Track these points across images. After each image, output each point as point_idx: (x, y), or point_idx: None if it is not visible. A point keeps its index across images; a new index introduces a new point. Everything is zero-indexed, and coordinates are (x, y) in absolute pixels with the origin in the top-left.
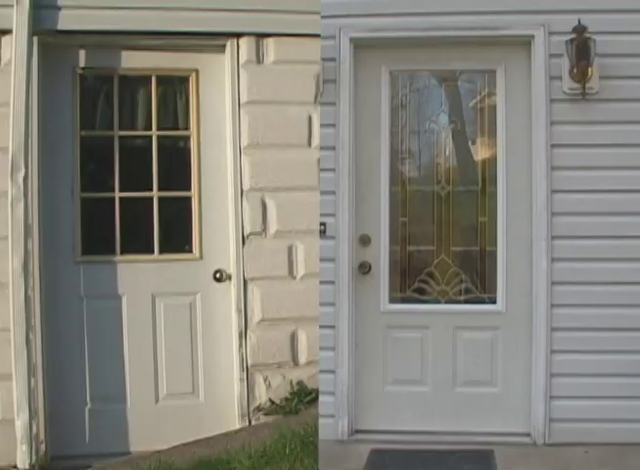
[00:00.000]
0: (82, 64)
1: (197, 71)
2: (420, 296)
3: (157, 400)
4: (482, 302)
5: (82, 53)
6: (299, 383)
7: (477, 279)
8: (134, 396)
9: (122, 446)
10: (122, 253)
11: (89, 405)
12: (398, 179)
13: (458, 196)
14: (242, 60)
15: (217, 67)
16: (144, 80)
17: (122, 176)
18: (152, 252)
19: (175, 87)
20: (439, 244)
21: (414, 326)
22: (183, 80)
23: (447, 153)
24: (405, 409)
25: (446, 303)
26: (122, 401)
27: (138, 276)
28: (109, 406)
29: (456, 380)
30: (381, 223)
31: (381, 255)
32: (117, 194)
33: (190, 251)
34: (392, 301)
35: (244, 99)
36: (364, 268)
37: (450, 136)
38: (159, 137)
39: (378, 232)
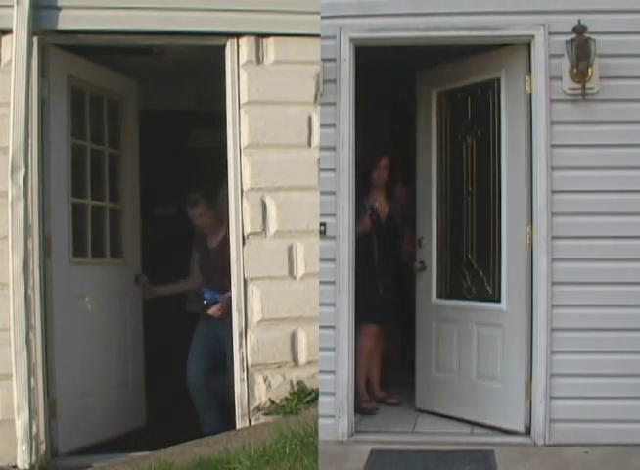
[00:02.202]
0: (75, 73)
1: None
2: (456, 292)
3: None
4: (494, 300)
5: (76, 64)
6: (299, 383)
7: (491, 278)
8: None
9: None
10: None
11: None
12: (444, 187)
13: (480, 199)
14: (242, 60)
15: None
16: None
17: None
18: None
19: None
20: (468, 245)
21: (450, 320)
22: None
23: (471, 159)
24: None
25: (470, 299)
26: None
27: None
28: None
29: (471, 372)
30: (432, 226)
31: (432, 255)
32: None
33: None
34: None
35: (244, 99)
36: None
37: (473, 143)
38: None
39: (429, 234)
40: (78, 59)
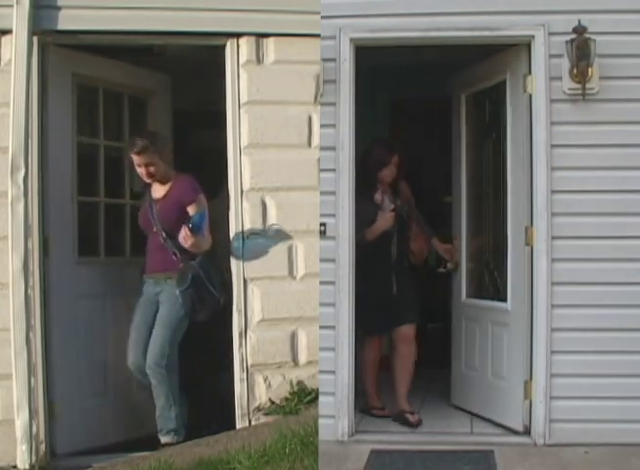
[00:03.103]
0: (82, 71)
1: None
2: (479, 292)
3: None
4: (503, 299)
5: (79, 60)
6: (299, 383)
7: (502, 278)
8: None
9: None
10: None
11: (89, 403)
12: (471, 189)
13: (495, 199)
14: (242, 60)
15: None
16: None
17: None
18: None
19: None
20: (487, 245)
21: (474, 319)
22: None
23: (488, 161)
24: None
25: (488, 299)
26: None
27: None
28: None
29: (487, 370)
30: (462, 226)
31: (462, 254)
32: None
33: None
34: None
35: (244, 99)
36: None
37: (490, 145)
38: None
39: (460, 234)
40: (86, 56)
